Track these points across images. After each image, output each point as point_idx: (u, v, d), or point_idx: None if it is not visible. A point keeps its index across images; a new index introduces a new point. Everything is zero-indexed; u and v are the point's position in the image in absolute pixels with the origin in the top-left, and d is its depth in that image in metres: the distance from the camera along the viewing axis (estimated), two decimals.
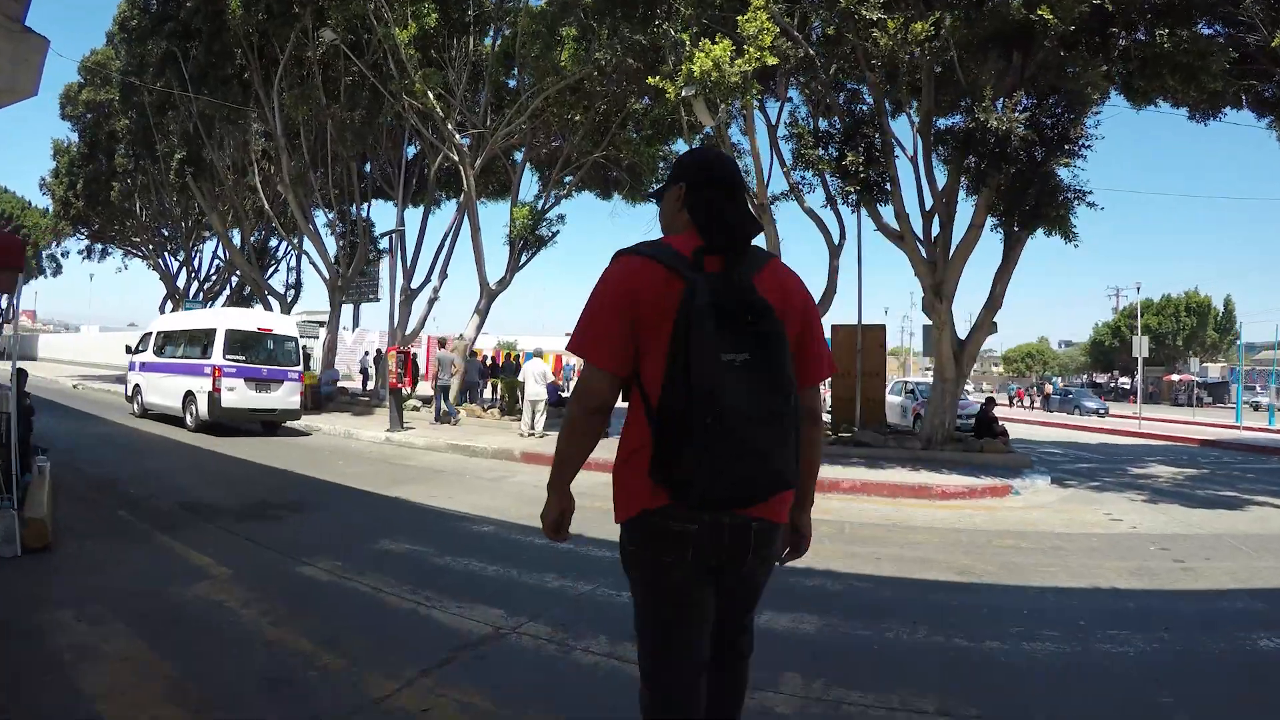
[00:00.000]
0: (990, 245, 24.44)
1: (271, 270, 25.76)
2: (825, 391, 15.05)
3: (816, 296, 12.70)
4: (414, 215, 19.41)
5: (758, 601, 1.84)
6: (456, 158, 15.03)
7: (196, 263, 28.84)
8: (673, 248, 1.62)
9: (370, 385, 21.49)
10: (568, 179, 16.94)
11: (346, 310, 21.85)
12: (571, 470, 1.75)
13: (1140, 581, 5.28)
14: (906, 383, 19.89)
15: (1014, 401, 44.22)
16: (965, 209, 11.17)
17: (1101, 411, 33.13)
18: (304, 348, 22.65)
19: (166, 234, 28.92)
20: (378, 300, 17.61)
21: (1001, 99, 9.28)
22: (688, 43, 9.68)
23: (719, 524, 1.58)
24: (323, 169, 18.10)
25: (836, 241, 12.57)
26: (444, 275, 17.62)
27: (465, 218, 16.42)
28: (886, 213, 11.43)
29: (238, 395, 11.59)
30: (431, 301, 17.61)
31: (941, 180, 11.36)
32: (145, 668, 3.05)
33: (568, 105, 14.31)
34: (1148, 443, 19.34)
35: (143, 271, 34.48)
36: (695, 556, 1.60)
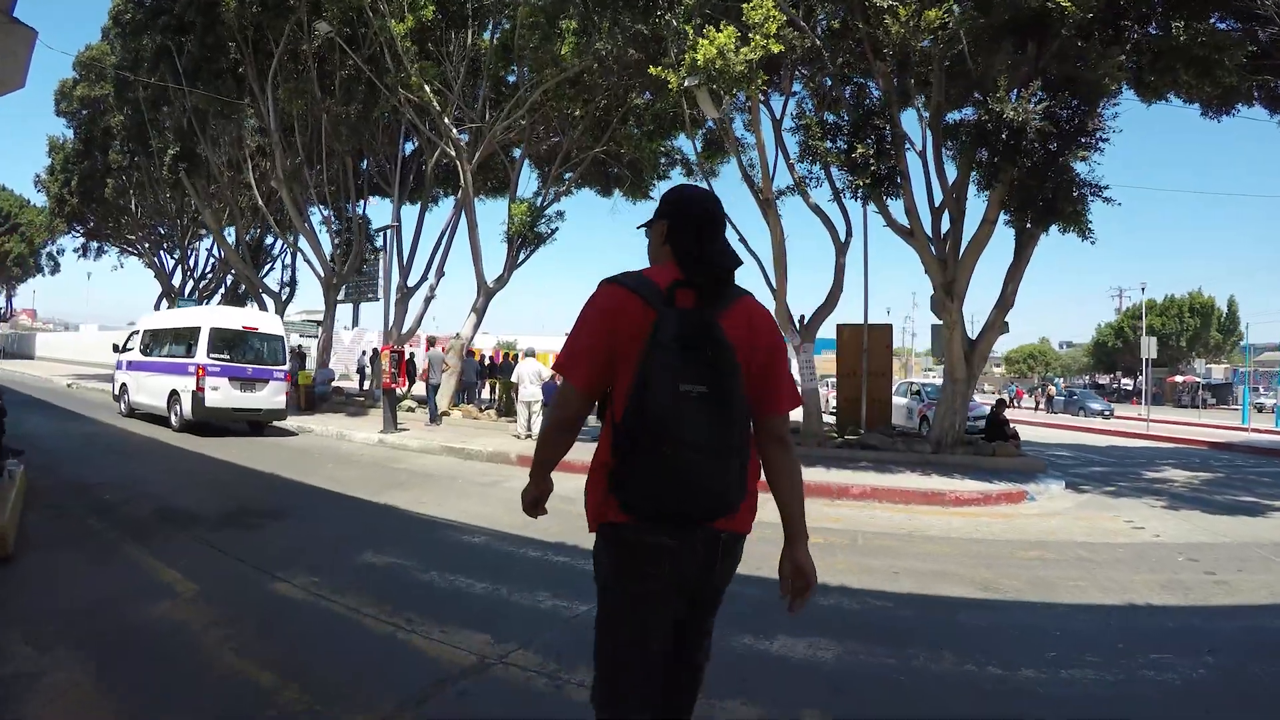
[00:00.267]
0: (997, 244, 24.01)
1: (268, 268, 25.45)
2: (829, 393, 14.72)
3: (822, 295, 12.51)
4: (411, 213, 19.09)
5: (712, 618, 1.93)
6: (454, 153, 14.69)
7: (192, 261, 28.53)
8: (651, 280, 1.73)
9: (367, 385, 21.14)
10: (567, 175, 16.60)
11: (346, 309, 21.55)
12: (549, 468, 1.92)
13: (1174, 597, 4.97)
14: (912, 384, 19.53)
15: (1013, 401, 43.83)
16: (975, 205, 10.87)
17: (1107, 413, 32.84)
18: (300, 347, 22.42)
19: (163, 232, 28.62)
20: (377, 300, 17.29)
21: (1016, 90, 8.93)
22: (690, 34, 9.35)
23: (692, 537, 1.68)
24: (318, 165, 17.79)
25: (843, 238, 12.22)
26: (441, 273, 17.29)
27: (462, 214, 16.09)
28: (895, 209, 11.11)
29: (222, 395, 11.26)
30: (428, 300, 17.28)
31: (952, 175, 11.03)
32: (84, 704, 2.71)
33: (567, 99, 13.97)
34: (1157, 445, 19.01)
35: (141, 270, 34.41)
36: (670, 570, 1.69)
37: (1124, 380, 57.74)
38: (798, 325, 12.06)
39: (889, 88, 9.96)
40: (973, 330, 12.19)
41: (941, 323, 12.12)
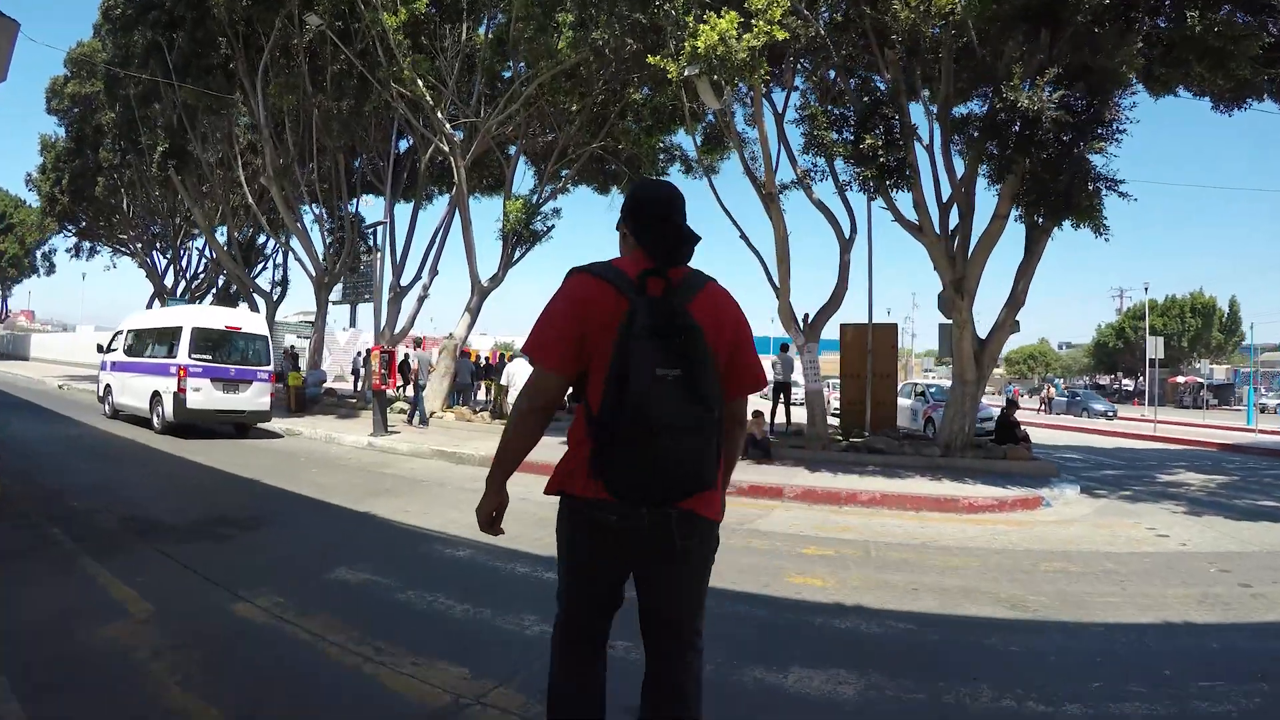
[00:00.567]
0: (1004, 241, 23.58)
1: (260, 268, 25.08)
2: (832, 394, 14.33)
3: (824, 293, 12.15)
4: (404, 211, 18.74)
5: (702, 600, 1.93)
6: (447, 148, 14.30)
7: (185, 261, 28.15)
8: (621, 270, 1.79)
9: (360, 387, 20.74)
10: (564, 173, 16.22)
11: (343, 310, 21.16)
12: (511, 465, 1.91)
13: (1213, 613, 4.61)
14: (916, 385, 19.15)
15: (1011, 403, 43.42)
16: (984, 201, 10.50)
17: (1110, 414, 32.54)
18: (293, 348, 22.04)
19: (156, 231, 28.23)
20: (383, 303, 16.83)
21: (1031, 78, 8.56)
22: (691, 23, 8.98)
23: (639, 515, 1.73)
24: (310, 162, 17.44)
25: (847, 235, 11.85)
26: (434, 272, 16.92)
27: (456, 212, 15.71)
28: (902, 205, 10.73)
29: (204, 396, 10.88)
30: (421, 299, 16.89)
31: (960, 170, 10.69)
32: None
33: (563, 93, 13.60)
34: (1165, 447, 18.67)
35: (135, 270, 33.85)
36: (617, 544, 1.78)
37: (1124, 381, 57.49)
38: (801, 324, 11.69)
39: (898, 76, 9.59)
40: (978, 330, 11.81)
41: (950, 322, 11.76)
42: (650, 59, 9.01)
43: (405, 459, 9.95)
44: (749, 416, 11.26)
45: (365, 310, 17.96)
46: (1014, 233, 10.80)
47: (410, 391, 14.46)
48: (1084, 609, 4.59)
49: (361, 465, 9.23)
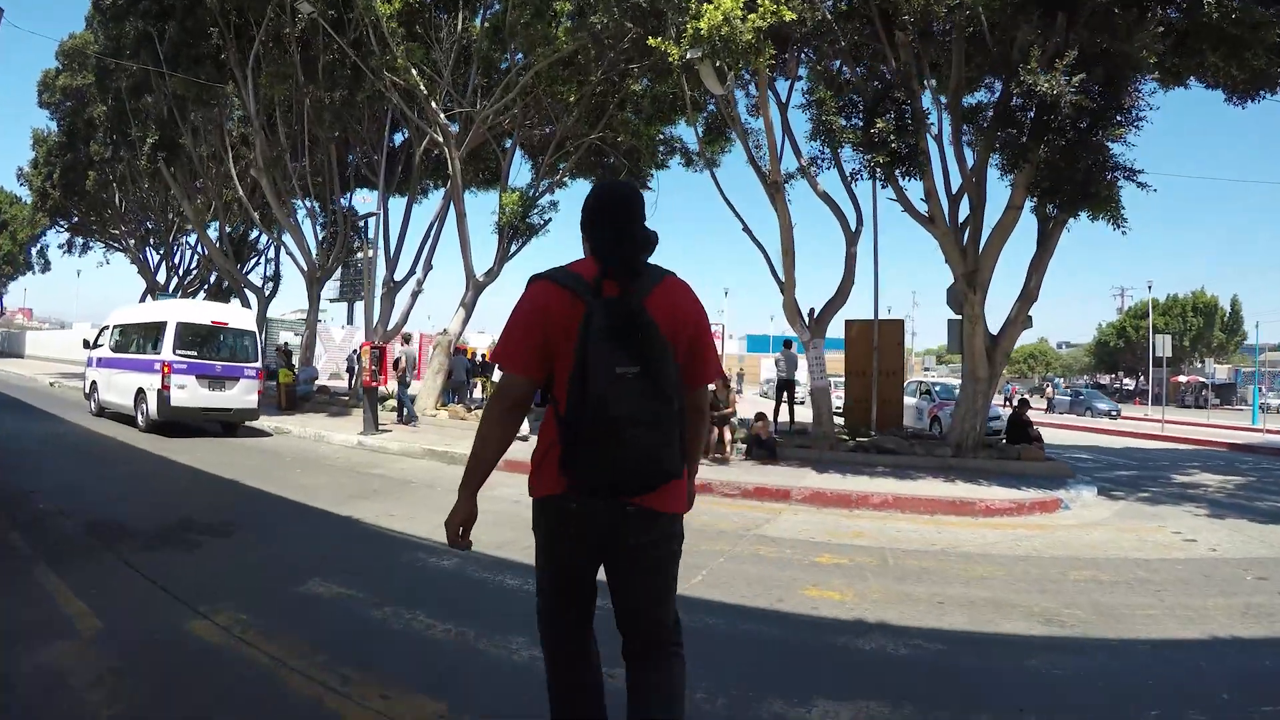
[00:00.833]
0: (1015, 234, 23.13)
1: (253, 263, 24.70)
2: (838, 392, 13.96)
3: (832, 288, 11.76)
4: (398, 206, 18.35)
5: (667, 595, 1.96)
6: (441, 139, 13.91)
7: (177, 257, 27.75)
8: (579, 274, 1.86)
9: (354, 383, 20.33)
10: (561, 165, 15.82)
11: (340, 307, 20.80)
12: (483, 474, 1.96)
13: (1259, 627, 4.30)
14: (922, 383, 18.77)
15: (1007, 401, 43.17)
16: (995, 192, 10.15)
17: (1114, 413, 32.27)
18: (286, 344, 21.63)
19: (150, 226, 27.83)
20: (376, 299, 16.40)
21: (1049, 62, 8.19)
22: (693, 4, 8.60)
23: (597, 508, 1.82)
24: (303, 155, 17.05)
25: (853, 227, 11.47)
26: (428, 267, 16.49)
27: (451, 206, 15.31)
28: (911, 196, 10.36)
29: (188, 393, 10.48)
30: (415, 294, 16.49)
31: (971, 159, 10.32)
32: None
33: (561, 82, 13.21)
34: (1174, 447, 18.37)
35: (130, 266, 33.45)
36: (577, 533, 1.87)
37: (1125, 380, 57.23)
38: (807, 319, 11.31)
39: (909, 59, 9.20)
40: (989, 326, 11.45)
41: (959, 317, 11.40)
42: (651, 41, 8.62)
43: (395, 459, 9.56)
44: (756, 418, 11.00)
45: (362, 308, 17.55)
46: (1023, 226, 10.48)
47: (396, 388, 14.08)
48: (1122, 623, 4.25)
49: (349, 465, 8.84)
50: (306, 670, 2.87)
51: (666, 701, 1.90)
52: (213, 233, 21.81)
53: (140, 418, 10.95)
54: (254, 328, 12.12)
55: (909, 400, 16.59)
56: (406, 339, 14.54)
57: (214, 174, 19.81)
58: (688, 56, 8.40)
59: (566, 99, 13.72)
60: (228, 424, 11.43)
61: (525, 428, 10.75)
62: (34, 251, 46.65)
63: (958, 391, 17.23)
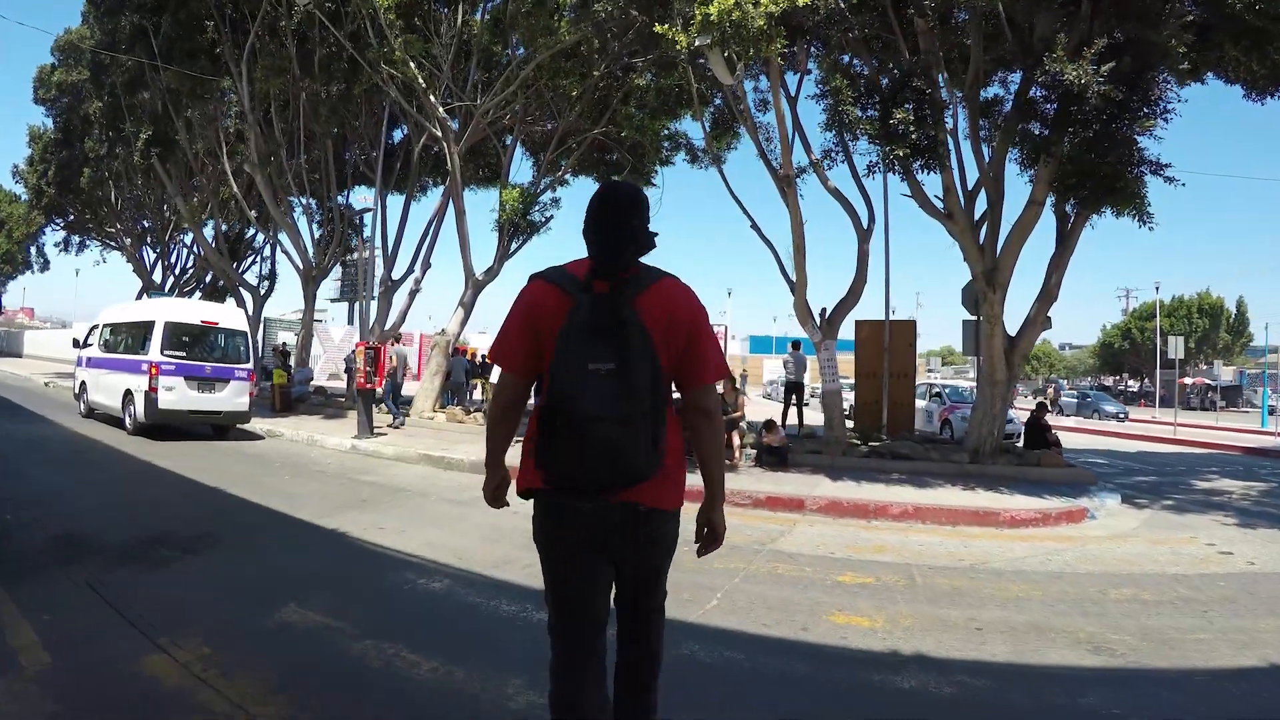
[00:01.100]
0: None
1: (250, 262, 24.34)
2: (848, 395, 13.58)
3: (839, 288, 11.40)
4: (396, 204, 17.95)
5: (657, 587, 2.00)
6: (440, 133, 13.53)
7: (174, 256, 27.40)
8: (571, 272, 1.89)
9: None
10: (563, 162, 15.43)
11: (342, 308, 20.43)
12: (500, 454, 2.05)
13: None
14: (932, 385, 18.37)
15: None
16: (1013, 188, 9.77)
17: (1121, 416, 31.86)
18: (284, 345, 21.27)
19: (147, 225, 27.49)
20: (372, 298, 15.99)
21: (1075, 51, 7.80)
22: None
23: (581, 505, 1.81)
24: (299, 152, 16.68)
25: (865, 224, 11.09)
26: (427, 265, 16.12)
27: (450, 203, 14.94)
28: (928, 191, 9.97)
29: (176, 395, 10.10)
30: (413, 293, 16.11)
31: (988, 153, 9.94)
32: None
33: (563, 74, 12.83)
34: (1188, 451, 17.98)
35: (128, 266, 33.07)
36: (565, 528, 1.86)
37: (1129, 382, 56.80)
38: (819, 320, 10.92)
39: (929, 47, 8.80)
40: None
41: (974, 318, 11.03)
42: (658, 28, 8.24)
43: (389, 464, 9.18)
44: (766, 427, 10.60)
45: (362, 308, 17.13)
46: (1041, 223, 10.09)
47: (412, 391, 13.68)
48: (1175, 650, 3.89)
49: (341, 471, 8.46)
50: (266, 718, 2.49)
51: (656, 655, 2.02)
52: (209, 231, 21.47)
53: (128, 420, 10.58)
54: (246, 328, 11.74)
55: (919, 403, 16.22)
56: (397, 339, 14.13)
57: (209, 171, 19.49)
58: (696, 44, 8.02)
59: (569, 93, 13.36)
60: (218, 427, 11.05)
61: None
62: (33, 251, 46.44)
63: (967, 394, 16.91)
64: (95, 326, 13.08)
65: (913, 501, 7.17)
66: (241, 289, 19.91)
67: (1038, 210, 9.17)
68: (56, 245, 31.56)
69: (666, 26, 8.27)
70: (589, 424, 1.68)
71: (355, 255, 17.04)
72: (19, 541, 4.90)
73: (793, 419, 12.92)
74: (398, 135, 17.97)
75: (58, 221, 29.42)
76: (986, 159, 9.89)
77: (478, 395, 18.07)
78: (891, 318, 12.79)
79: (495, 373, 10.81)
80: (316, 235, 17.89)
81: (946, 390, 17.21)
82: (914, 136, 7.77)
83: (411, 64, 12.61)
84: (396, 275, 16.38)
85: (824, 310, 11.11)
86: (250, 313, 19.58)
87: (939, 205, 9.67)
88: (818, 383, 12.82)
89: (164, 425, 10.35)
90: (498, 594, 3.95)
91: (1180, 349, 21.15)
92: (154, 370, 9.98)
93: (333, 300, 28.55)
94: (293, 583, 4.09)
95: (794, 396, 12.96)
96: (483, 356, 22.06)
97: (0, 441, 9.43)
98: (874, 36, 10.14)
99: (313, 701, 2.65)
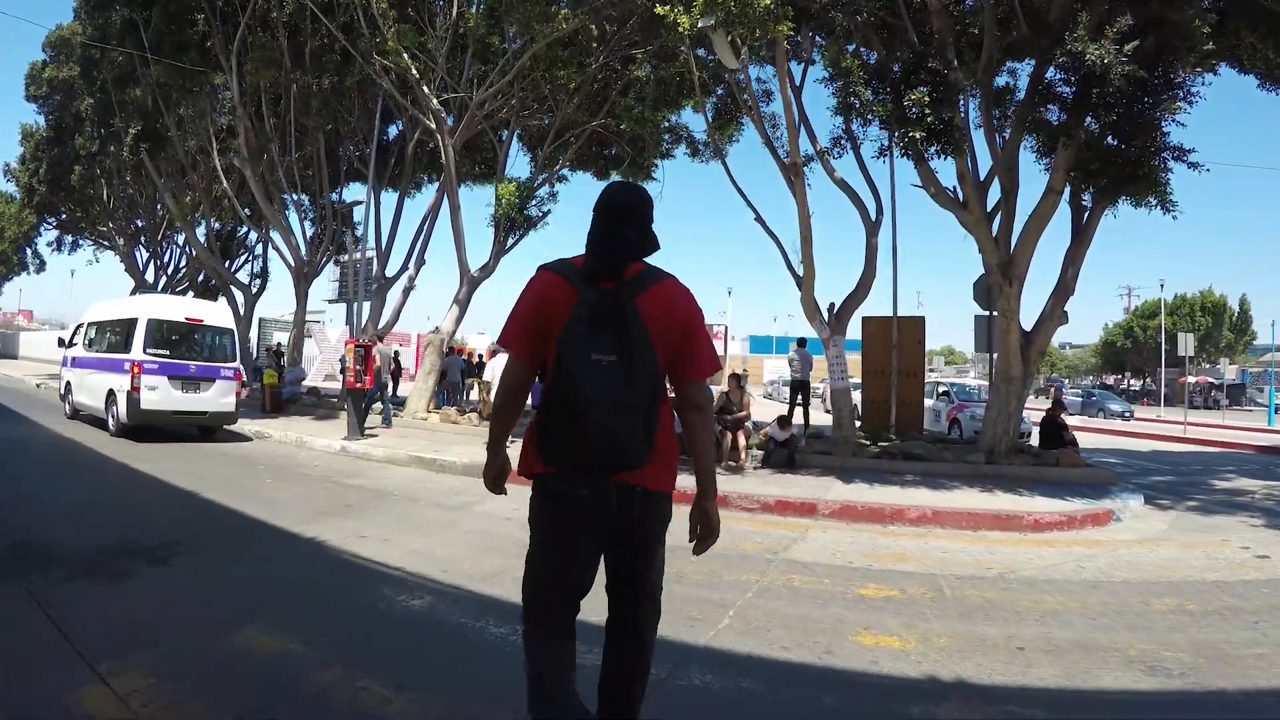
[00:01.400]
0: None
1: (242, 260, 23.97)
2: (856, 395, 13.21)
3: (844, 284, 11.00)
4: (390, 200, 17.58)
5: (651, 564, 2.04)
6: (435, 125, 13.15)
7: (166, 255, 27.02)
8: (577, 266, 1.99)
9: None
10: (561, 156, 15.06)
11: (339, 309, 20.04)
12: (502, 440, 2.16)
13: None
14: (940, 384, 17.99)
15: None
16: (1027, 178, 9.38)
17: (1127, 414, 31.52)
18: (278, 344, 20.90)
19: (140, 224, 27.11)
20: (369, 298, 15.59)
21: (1098, 30, 7.43)
22: None
23: (580, 486, 1.88)
24: (292, 149, 16.33)
25: (873, 217, 10.70)
26: (421, 262, 15.78)
27: (445, 198, 14.56)
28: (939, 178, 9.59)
29: (160, 395, 9.72)
30: (407, 291, 15.73)
31: (1001, 141, 9.56)
32: None
33: (560, 64, 12.46)
34: (1200, 450, 17.61)
35: (120, 265, 32.59)
36: (583, 515, 1.91)
37: (1132, 381, 56.46)
38: (826, 316, 10.53)
39: (943, 26, 8.41)
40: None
41: (986, 314, 10.67)
42: (659, 9, 7.86)
43: (378, 466, 8.79)
44: (777, 419, 10.22)
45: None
46: (1054, 217, 9.72)
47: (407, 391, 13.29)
48: (1233, 667, 3.53)
49: (327, 474, 8.07)
50: None
51: (648, 644, 2.07)
52: (200, 230, 21.10)
53: (111, 421, 10.20)
54: (232, 326, 11.36)
55: (926, 402, 15.84)
56: (381, 338, 13.73)
57: (201, 169, 19.13)
58: (699, 25, 7.65)
59: (567, 84, 12.99)
60: (204, 428, 10.67)
61: None
62: (28, 252, 46.02)
63: (975, 393, 16.52)
64: (80, 325, 12.70)
65: (930, 505, 6.78)
66: (233, 288, 19.52)
67: (1055, 199, 8.79)
68: (49, 245, 31.20)
69: (668, 8, 7.90)
70: (590, 410, 1.77)
71: (348, 256, 16.64)
72: None
73: (799, 418, 12.54)
74: (392, 131, 17.64)
75: (50, 220, 29.05)
76: (1000, 148, 9.52)
77: (474, 396, 17.66)
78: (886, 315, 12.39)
79: (495, 373, 10.44)
80: (309, 233, 17.51)
81: (954, 389, 16.83)
82: (929, 119, 7.38)
83: (405, 55, 12.25)
84: (390, 272, 16.01)
85: (832, 305, 10.73)
86: (241, 312, 19.21)
87: (951, 194, 9.29)
88: (818, 382, 12.46)
89: (148, 426, 9.98)
90: (485, 612, 3.55)
91: (1191, 346, 20.79)
92: (136, 369, 9.60)
93: (330, 301, 28.19)
94: (258, 599, 3.70)
95: (799, 396, 12.57)
96: (480, 356, 21.72)
97: None
98: (881, 25, 9.77)
99: None
